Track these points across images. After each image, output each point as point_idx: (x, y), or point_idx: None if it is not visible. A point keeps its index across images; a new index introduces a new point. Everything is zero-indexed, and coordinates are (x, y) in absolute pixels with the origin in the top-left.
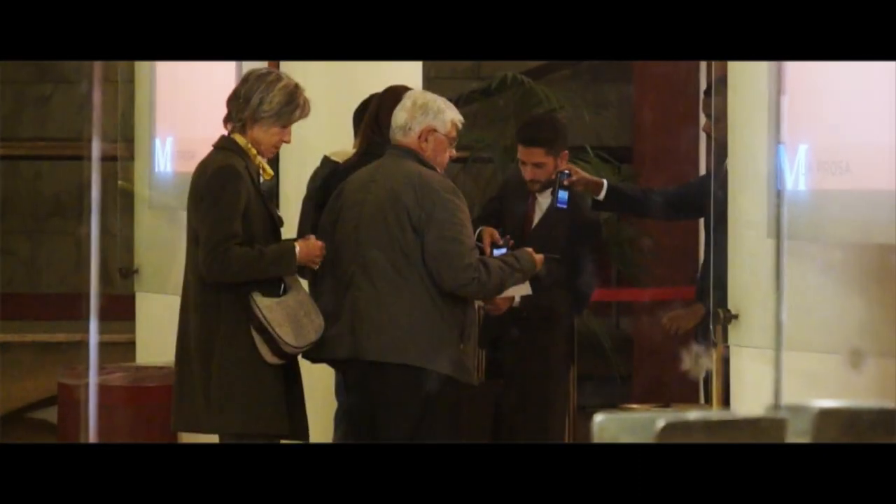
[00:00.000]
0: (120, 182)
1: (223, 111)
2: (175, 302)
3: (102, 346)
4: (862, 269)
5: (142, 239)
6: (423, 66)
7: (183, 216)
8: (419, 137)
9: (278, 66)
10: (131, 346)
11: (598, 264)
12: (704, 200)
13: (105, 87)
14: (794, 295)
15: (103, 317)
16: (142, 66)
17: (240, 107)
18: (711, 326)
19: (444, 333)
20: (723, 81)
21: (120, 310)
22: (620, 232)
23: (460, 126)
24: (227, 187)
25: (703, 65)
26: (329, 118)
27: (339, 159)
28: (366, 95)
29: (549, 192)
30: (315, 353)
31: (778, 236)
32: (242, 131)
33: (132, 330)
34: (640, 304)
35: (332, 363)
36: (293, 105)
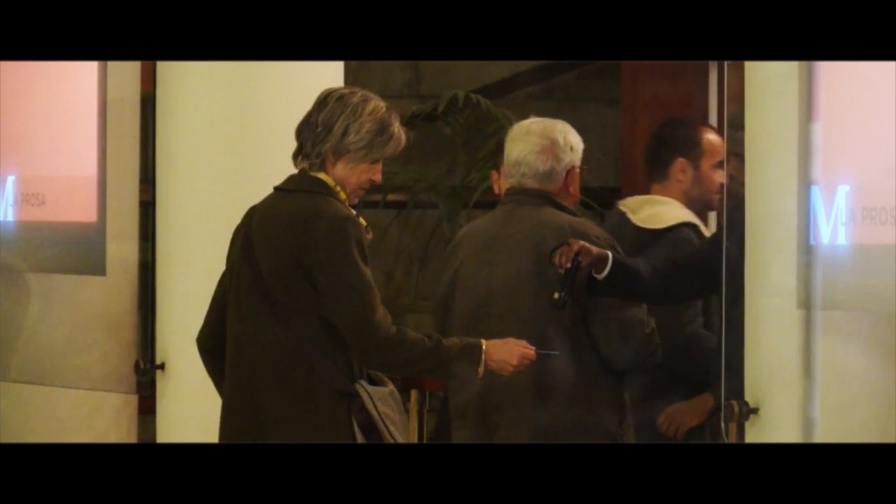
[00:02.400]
0: None
1: (86, 141)
2: (15, 391)
3: None
4: None
5: None
6: (346, 83)
7: (28, 280)
8: (565, 181)
9: (153, 70)
10: None
11: None
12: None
13: None
14: (830, 382)
15: None
16: None
17: (318, 137)
18: (723, 424)
19: (604, 421)
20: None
21: None
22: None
23: None
24: (357, 246)
25: (713, 83)
26: (226, 141)
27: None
28: (271, 115)
29: None
30: None
31: (810, 306)
32: (322, 169)
33: None
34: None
35: None
36: (387, 135)
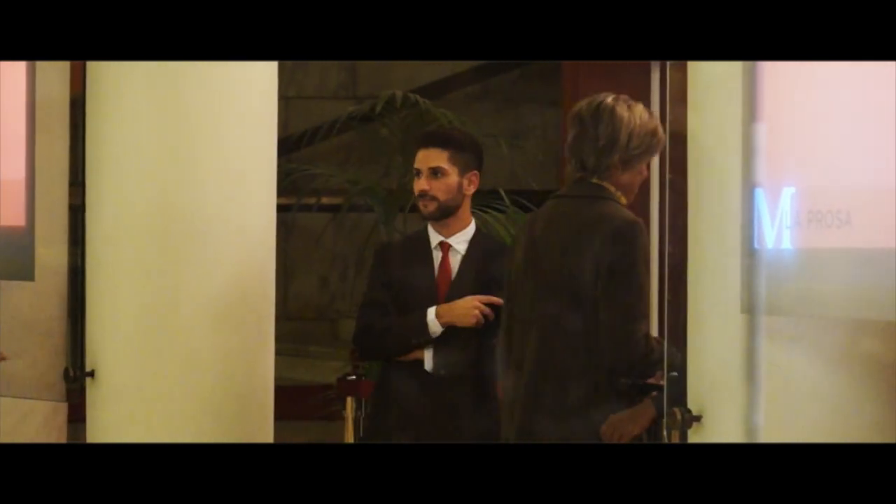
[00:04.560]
0: None
1: (13, 143)
2: None
3: None
4: (868, 354)
5: None
6: (280, 84)
7: None
8: None
9: (83, 70)
10: None
11: None
12: None
13: None
14: (775, 389)
15: None
16: None
17: (602, 151)
18: (666, 432)
19: None
20: (682, 103)
21: None
22: None
23: None
24: (642, 253)
25: (655, 84)
26: (158, 142)
27: None
28: (204, 116)
29: (462, 236)
30: None
31: (754, 311)
32: (607, 178)
33: None
34: None
35: None
36: (658, 135)
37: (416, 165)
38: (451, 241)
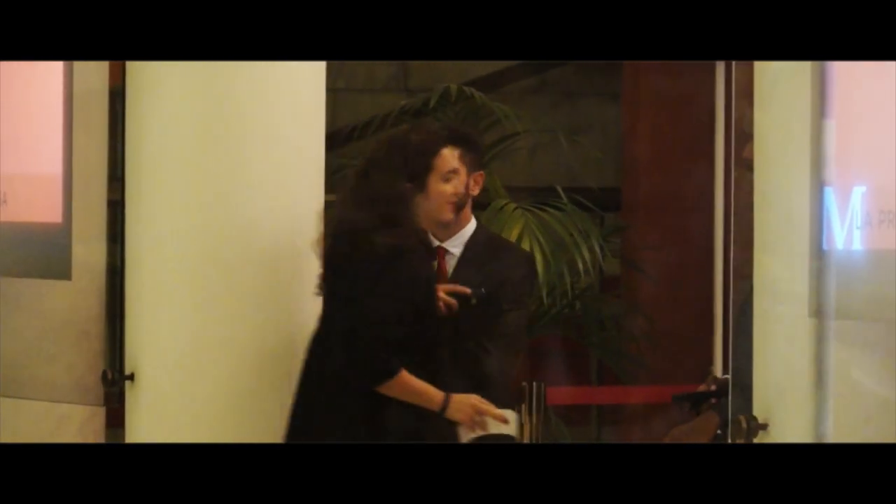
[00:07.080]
0: None
1: (51, 137)
2: None
3: None
4: None
5: None
6: (328, 76)
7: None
8: None
9: (123, 62)
10: None
11: (568, 352)
12: None
13: None
14: (844, 396)
15: None
16: None
17: None
18: (731, 441)
19: None
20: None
21: None
22: (602, 307)
23: None
24: None
25: (720, 79)
26: (200, 137)
27: None
28: (246, 110)
29: (458, 238)
30: None
31: (822, 315)
32: None
33: None
34: (629, 408)
35: None
36: None
37: None
38: (446, 244)
